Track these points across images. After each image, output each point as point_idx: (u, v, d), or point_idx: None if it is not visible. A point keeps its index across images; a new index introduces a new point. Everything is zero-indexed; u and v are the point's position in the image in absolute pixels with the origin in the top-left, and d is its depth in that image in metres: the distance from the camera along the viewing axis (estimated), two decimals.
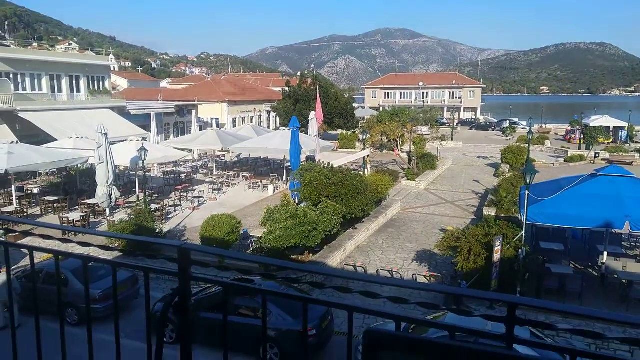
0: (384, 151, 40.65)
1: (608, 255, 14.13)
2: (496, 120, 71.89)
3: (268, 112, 56.45)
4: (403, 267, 15.52)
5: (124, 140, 24.69)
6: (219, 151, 32.99)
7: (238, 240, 15.69)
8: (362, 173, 23.96)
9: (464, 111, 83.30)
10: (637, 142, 48.39)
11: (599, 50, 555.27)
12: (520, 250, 12.65)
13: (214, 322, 7.16)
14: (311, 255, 15.28)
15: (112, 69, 58.68)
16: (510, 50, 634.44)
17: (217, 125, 38.17)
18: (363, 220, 19.02)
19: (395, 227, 20.22)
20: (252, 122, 51.16)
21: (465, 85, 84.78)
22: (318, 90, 32.37)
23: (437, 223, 20.68)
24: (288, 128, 23.91)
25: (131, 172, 27.26)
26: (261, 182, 26.93)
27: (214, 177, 28.60)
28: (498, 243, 12.37)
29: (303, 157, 22.72)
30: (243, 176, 28.97)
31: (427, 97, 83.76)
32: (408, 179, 28.81)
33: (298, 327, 9.18)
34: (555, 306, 2.79)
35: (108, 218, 18.91)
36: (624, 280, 12.84)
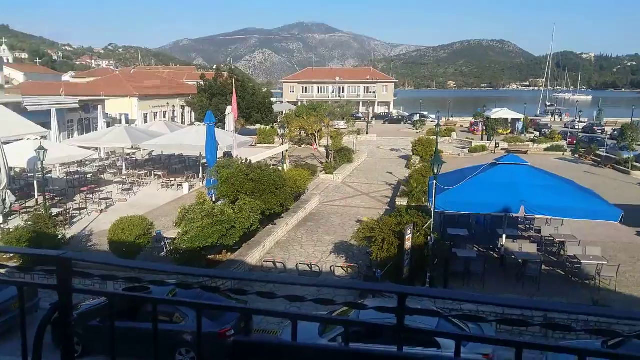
0: (302, 146, 40.94)
1: (506, 237, 15.40)
2: (407, 114, 75.13)
3: (182, 107, 54.49)
4: (321, 260, 15.79)
5: (20, 140, 22.58)
6: (129, 149, 31.31)
7: (150, 243, 15.04)
8: (281, 168, 23.97)
9: (378, 105, 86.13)
10: (531, 133, 52.99)
11: (498, 47, 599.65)
12: (429, 237, 13.37)
13: (122, 330, 6.83)
14: (229, 254, 15.05)
15: (5, 61, 53.39)
16: (421, 46, 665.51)
17: (127, 122, 36.13)
18: (282, 215, 19.06)
19: (314, 220, 20.50)
20: (165, 117, 49.14)
21: (379, 80, 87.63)
22: (234, 84, 31.81)
23: (353, 215, 21.26)
24: (203, 123, 23.26)
25: (29, 174, 25.07)
26: (175, 180, 25.99)
27: (124, 177, 27.13)
28: (409, 231, 12.98)
29: (220, 153, 22.24)
30: (155, 175, 27.75)
31: (343, 92, 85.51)
32: (326, 173, 29.30)
33: (216, 329, 9.04)
34: (441, 293, 2.96)
35: (1, 226, 17.26)
36: (520, 260, 14.06)
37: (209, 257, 14.59)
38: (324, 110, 36.94)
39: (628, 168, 31.32)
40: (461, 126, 63.89)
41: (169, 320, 9.41)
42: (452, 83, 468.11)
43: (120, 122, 35.33)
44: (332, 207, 22.92)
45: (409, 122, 66.14)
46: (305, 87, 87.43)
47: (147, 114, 48.43)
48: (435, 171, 14.25)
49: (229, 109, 25.92)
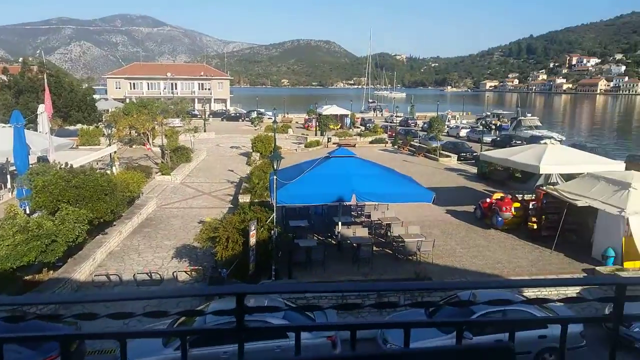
0: (133, 146, 38.10)
1: (342, 224, 16.51)
2: (245, 111, 75.40)
3: None
4: (162, 267, 14.94)
5: None
6: None
7: None
8: (109, 172, 21.92)
9: (214, 102, 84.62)
10: (357, 127, 57.62)
11: (325, 48, 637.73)
12: (273, 231, 13.63)
13: None
14: (52, 272, 13.27)
15: None
16: (254, 44, 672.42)
17: None
18: (114, 223, 17.49)
19: (152, 225, 19.27)
20: None
21: (213, 77, 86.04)
22: (47, 80, 28.02)
23: (195, 216, 20.57)
24: (9, 125, 20.00)
25: None
26: None
27: None
28: (253, 227, 13.05)
29: (33, 159, 19.40)
30: None
31: (176, 89, 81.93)
32: (163, 174, 27.77)
33: (39, 359, 7.89)
34: (278, 287, 3.02)
35: None
36: (354, 244, 15.21)
37: (26, 278, 12.67)
38: (156, 108, 34.83)
39: (436, 156, 36.16)
40: (296, 122, 66.43)
41: None
42: (286, 81, 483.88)
43: None
44: (172, 209, 21.83)
45: (247, 119, 66.41)
46: (134, 83, 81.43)
47: None
48: (275, 166, 14.57)
49: (41, 107, 22.72)
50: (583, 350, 9.73)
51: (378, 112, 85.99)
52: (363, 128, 56.05)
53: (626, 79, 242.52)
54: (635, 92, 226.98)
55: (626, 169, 20.15)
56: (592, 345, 9.87)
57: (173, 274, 14.15)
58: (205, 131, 48.51)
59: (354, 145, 40.66)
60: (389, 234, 17.18)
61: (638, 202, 14.80)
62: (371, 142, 44.79)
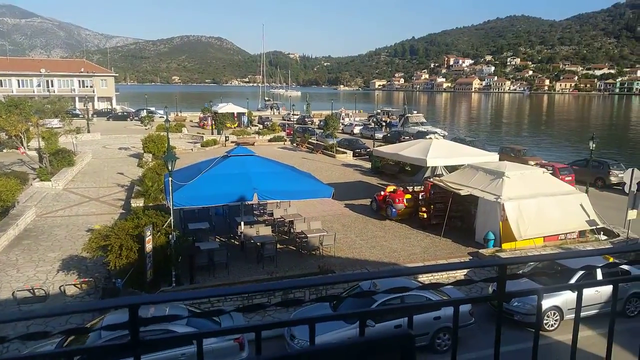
0: (5, 150, 34.12)
1: (245, 224, 16.33)
2: (134, 110, 71.10)
3: None
4: (47, 281, 13.59)
5: None
6: None
7: None
8: None
9: (98, 101, 78.59)
10: (255, 125, 57.27)
11: (217, 44, 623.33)
12: (170, 236, 13.06)
13: None
14: None
15: None
16: (139, 39, 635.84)
17: None
18: None
19: (32, 237, 17.42)
20: None
21: (96, 74, 79.78)
22: None
23: (82, 224, 18.98)
24: None
25: None
26: None
27: None
28: (148, 233, 12.38)
29: None
30: None
31: (52, 86, 74.61)
32: (42, 180, 25.19)
33: None
34: (177, 295, 2.91)
35: None
36: (258, 243, 15.13)
37: None
38: (30, 107, 31.44)
39: (333, 152, 37.24)
40: (191, 121, 64.20)
41: None
42: (177, 78, 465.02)
43: None
44: (54, 218, 19.91)
45: (136, 118, 62.68)
46: (0, 80, 72.68)
47: None
48: (170, 167, 13.95)
49: None
50: (472, 327, 10.70)
51: (275, 110, 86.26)
52: (261, 126, 55.87)
53: (495, 78, 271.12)
54: (504, 90, 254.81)
55: (499, 159, 22.46)
56: (480, 321, 10.90)
57: (60, 288, 12.95)
58: (89, 132, 44.89)
59: (253, 144, 40.40)
60: (292, 230, 17.36)
61: (511, 189, 16.59)
62: (270, 140, 44.82)
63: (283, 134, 48.31)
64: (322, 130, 45.83)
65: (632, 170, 18.60)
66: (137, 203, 19.97)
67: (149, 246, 12.31)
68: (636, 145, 54.19)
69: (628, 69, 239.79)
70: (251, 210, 18.99)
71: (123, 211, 20.63)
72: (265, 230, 16.29)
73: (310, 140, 42.05)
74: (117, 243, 12.61)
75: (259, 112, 77.93)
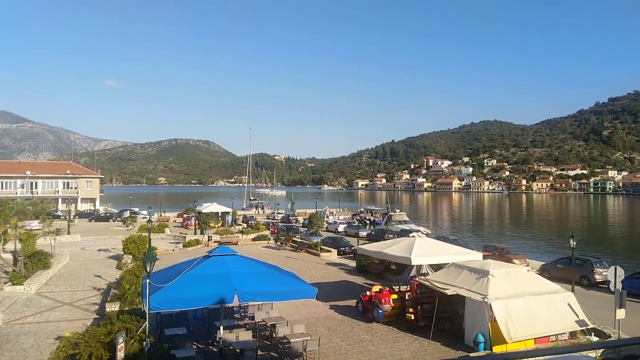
0: None
1: (224, 329, 15.56)
2: (117, 211, 70.94)
3: None
4: None
5: None
6: None
7: None
8: None
9: (82, 202, 78.46)
10: (239, 225, 57.12)
11: (204, 147, 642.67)
12: (144, 343, 12.34)
13: None
14: None
15: None
16: (128, 142, 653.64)
17: None
18: None
19: None
20: None
21: (81, 175, 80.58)
22: None
23: (52, 331, 17.89)
24: None
25: None
26: None
27: None
28: (121, 340, 11.70)
29: None
30: None
31: (36, 188, 74.77)
32: (14, 284, 24.16)
33: None
34: None
35: None
36: (237, 350, 14.32)
37: None
38: (10, 209, 31.13)
39: (318, 251, 36.90)
40: (174, 221, 63.89)
41: None
42: (163, 179, 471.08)
43: None
44: (22, 325, 18.78)
45: (119, 219, 62.28)
46: None
47: None
48: (148, 269, 13.59)
49: None
50: None
51: (260, 209, 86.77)
52: (245, 225, 55.76)
53: (474, 178, 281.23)
54: (483, 189, 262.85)
55: (483, 258, 22.45)
56: None
57: None
58: (69, 233, 44.15)
59: (236, 243, 40.04)
60: (274, 335, 16.56)
61: (497, 287, 16.38)
62: (254, 239, 44.48)
63: (267, 232, 48.12)
64: (306, 229, 45.86)
65: (615, 268, 18.67)
66: (113, 307, 19.09)
67: (120, 354, 11.56)
68: (614, 243, 55.03)
69: (600, 170, 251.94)
70: (231, 313, 18.23)
71: (97, 316, 19.61)
72: (246, 335, 15.51)
73: (294, 238, 41.86)
74: (87, 352, 11.83)
75: (243, 211, 78.25)
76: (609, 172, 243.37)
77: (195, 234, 46.74)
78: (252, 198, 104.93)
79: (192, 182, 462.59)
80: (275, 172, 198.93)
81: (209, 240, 41.38)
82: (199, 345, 16.03)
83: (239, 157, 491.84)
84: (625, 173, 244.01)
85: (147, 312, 13.00)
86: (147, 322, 12.98)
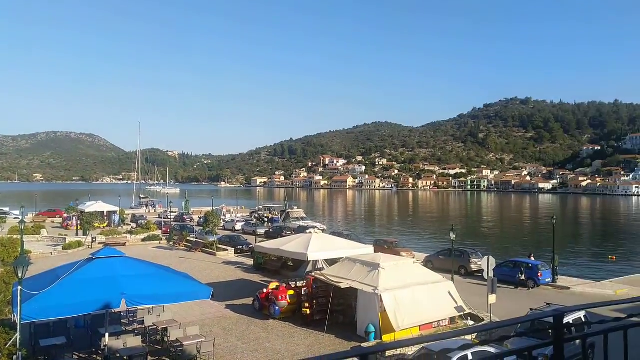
0: None
1: (110, 336, 14.51)
2: None
3: None
4: None
5: None
6: None
7: None
8: None
9: None
10: (128, 224, 53.75)
11: (89, 141, 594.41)
12: (15, 357, 11.07)
13: None
14: None
15: None
16: None
17: None
18: None
19: None
20: None
21: None
22: None
23: None
24: None
25: None
26: None
27: None
28: None
29: None
30: None
31: None
32: None
33: None
34: None
35: None
36: (125, 357, 13.45)
37: None
38: None
39: (214, 250, 36.00)
40: (52, 222, 58.28)
41: None
42: (39, 175, 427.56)
43: None
44: None
45: None
46: None
47: None
48: (20, 275, 12.22)
49: None
50: None
51: (151, 207, 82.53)
52: (134, 225, 52.65)
53: (366, 176, 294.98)
54: (374, 187, 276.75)
55: (374, 251, 23.58)
56: None
57: None
58: None
59: (124, 244, 37.77)
60: (165, 339, 15.83)
61: (387, 280, 17.30)
62: (144, 240, 42.18)
63: (159, 232, 45.92)
64: (201, 228, 44.52)
65: (488, 257, 20.73)
66: None
67: None
68: (488, 235, 61.19)
69: (476, 169, 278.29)
70: (118, 319, 17.09)
71: None
72: (135, 341, 14.62)
73: (188, 238, 40.43)
74: None
75: (132, 210, 73.80)
76: (483, 171, 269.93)
77: (77, 235, 43.05)
78: (142, 196, 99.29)
79: (74, 178, 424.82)
80: (169, 169, 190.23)
81: (92, 241, 38.38)
82: (80, 355, 14.80)
83: (127, 152, 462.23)
84: (497, 172, 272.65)
85: (18, 322, 11.67)
86: (18, 334, 11.65)
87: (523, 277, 25.65)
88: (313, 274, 20.29)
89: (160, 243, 41.65)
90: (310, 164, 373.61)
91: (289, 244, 23.07)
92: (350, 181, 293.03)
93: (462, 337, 11.02)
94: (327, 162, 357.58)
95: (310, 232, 24.47)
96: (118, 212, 54.96)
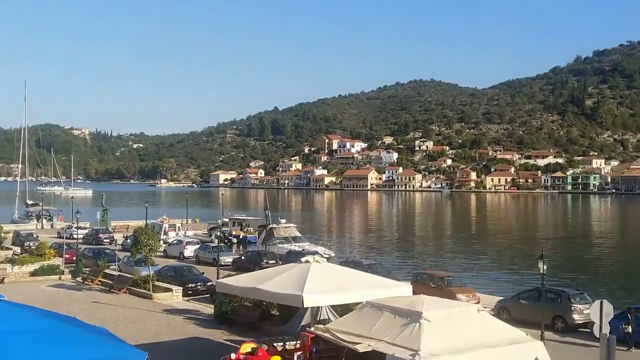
0: None
1: None
2: None
3: None
4: None
5: None
6: None
7: None
8: None
9: None
10: (8, 248, 53.94)
11: None
12: None
13: None
14: None
15: None
16: None
17: None
18: None
19: None
20: None
21: None
22: None
23: None
24: None
25: None
26: None
27: None
28: None
29: None
30: None
31: None
32: None
33: None
34: None
35: None
36: None
37: None
38: None
39: (149, 290, 36.00)
40: None
41: None
42: None
43: None
44: None
45: None
46: None
47: None
48: None
49: None
50: None
51: (45, 220, 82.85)
52: (19, 249, 52.87)
53: (400, 170, 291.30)
54: (413, 187, 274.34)
55: (414, 292, 23.50)
56: None
57: None
58: None
59: (2, 281, 37.90)
60: None
61: (435, 339, 17.21)
62: (34, 274, 42.40)
63: (59, 261, 46.06)
64: (129, 254, 44.61)
65: (601, 303, 20.40)
66: None
67: None
68: (603, 265, 60.91)
69: (580, 157, 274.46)
70: None
71: None
72: None
73: (107, 271, 40.53)
74: None
75: (15, 226, 74.13)
76: (594, 161, 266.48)
77: None
78: (30, 202, 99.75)
79: None
80: (74, 158, 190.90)
81: None
82: None
83: (6, 130, 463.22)
84: (616, 163, 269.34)
85: None
86: None
87: (630, 330, 25.47)
88: (312, 329, 20.24)
89: (61, 279, 41.78)
90: (307, 150, 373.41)
91: (272, 280, 23.01)
92: (373, 177, 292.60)
93: None
94: (334, 146, 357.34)
95: (307, 261, 24.42)
96: None
